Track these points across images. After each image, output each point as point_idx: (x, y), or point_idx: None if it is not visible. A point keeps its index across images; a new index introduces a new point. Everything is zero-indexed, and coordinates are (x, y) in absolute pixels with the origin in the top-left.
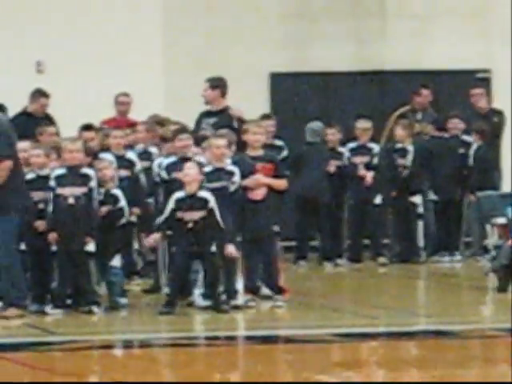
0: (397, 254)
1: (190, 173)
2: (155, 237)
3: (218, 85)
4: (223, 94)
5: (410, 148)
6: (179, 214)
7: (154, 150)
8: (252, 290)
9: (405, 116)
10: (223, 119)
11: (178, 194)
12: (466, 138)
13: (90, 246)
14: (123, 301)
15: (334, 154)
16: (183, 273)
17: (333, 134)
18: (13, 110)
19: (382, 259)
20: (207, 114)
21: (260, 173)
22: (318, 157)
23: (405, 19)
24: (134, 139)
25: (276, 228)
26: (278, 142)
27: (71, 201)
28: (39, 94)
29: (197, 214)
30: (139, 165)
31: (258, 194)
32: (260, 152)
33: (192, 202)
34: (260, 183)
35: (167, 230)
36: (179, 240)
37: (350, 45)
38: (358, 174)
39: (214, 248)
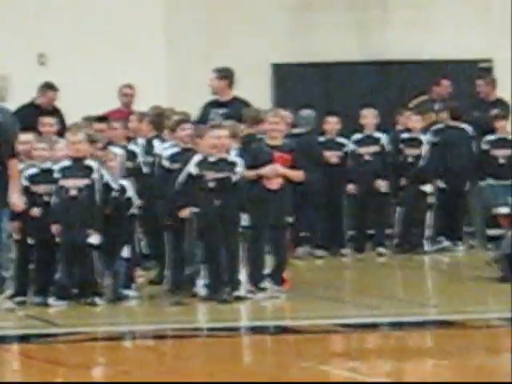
0: (400, 244)
1: (219, 142)
2: (185, 212)
3: (225, 75)
4: (230, 85)
5: (424, 138)
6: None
7: (157, 142)
8: (256, 281)
9: (421, 106)
10: (233, 110)
11: (199, 157)
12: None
13: (93, 238)
14: (130, 292)
15: (333, 144)
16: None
17: (334, 124)
18: (16, 102)
19: (380, 249)
20: (215, 104)
21: (277, 162)
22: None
23: (407, 9)
24: (136, 131)
25: (290, 218)
26: (295, 130)
27: (73, 192)
28: (47, 87)
29: (220, 175)
30: (141, 157)
31: (274, 184)
32: (278, 141)
33: (213, 162)
34: (277, 173)
35: (188, 194)
36: (201, 202)
37: (353, 35)
38: (362, 163)
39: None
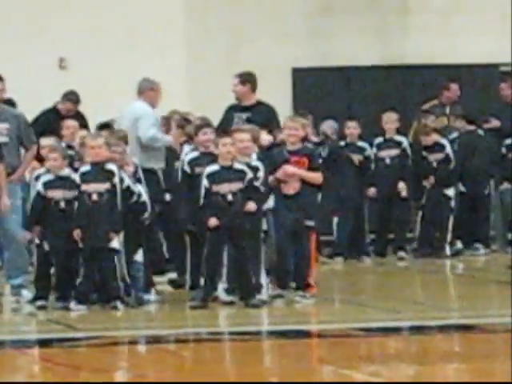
0: (419, 247)
1: (222, 149)
2: (213, 221)
3: (248, 80)
4: (253, 89)
5: (445, 142)
6: (215, 188)
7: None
8: (281, 284)
9: (432, 110)
10: (256, 114)
11: (211, 168)
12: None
13: (114, 243)
14: (150, 297)
15: (353, 148)
16: (216, 257)
17: (354, 128)
18: (36, 107)
19: (401, 253)
20: (239, 109)
21: (291, 165)
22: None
23: (427, 13)
24: None
25: (310, 222)
26: (314, 139)
27: (95, 197)
28: (67, 97)
29: (234, 186)
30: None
31: (291, 188)
32: (297, 146)
33: (227, 173)
34: (287, 173)
35: (209, 208)
36: (216, 216)
37: (373, 39)
38: (383, 167)
39: (247, 226)
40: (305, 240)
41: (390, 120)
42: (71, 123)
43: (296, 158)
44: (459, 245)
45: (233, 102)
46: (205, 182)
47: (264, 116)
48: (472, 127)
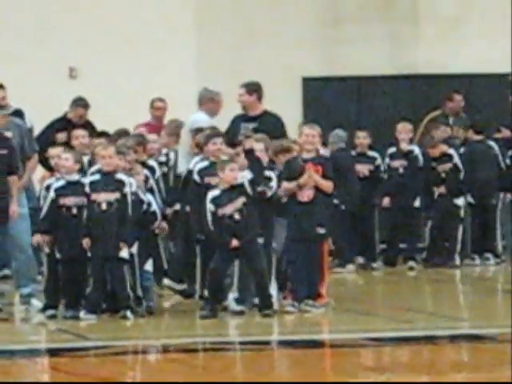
0: (432, 257)
1: (229, 174)
2: (235, 242)
3: (254, 89)
4: (260, 99)
5: (452, 151)
6: (220, 212)
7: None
8: (295, 296)
9: (436, 120)
10: (263, 124)
11: (213, 193)
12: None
13: (124, 252)
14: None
15: (364, 158)
16: (222, 272)
17: (364, 138)
18: (47, 116)
19: (411, 263)
20: (245, 119)
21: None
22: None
23: (437, 22)
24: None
25: (322, 230)
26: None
27: (104, 206)
28: (77, 103)
29: (238, 203)
30: (158, 172)
31: (305, 196)
32: (312, 154)
33: (228, 194)
34: (313, 179)
35: (216, 230)
36: (222, 236)
37: (383, 49)
38: (396, 177)
39: (261, 240)
40: (316, 248)
41: (404, 130)
42: (80, 133)
43: (311, 165)
44: (477, 261)
45: (239, 112)
46: (210, 207)
47: (271, 126)
48: (480, 137)
